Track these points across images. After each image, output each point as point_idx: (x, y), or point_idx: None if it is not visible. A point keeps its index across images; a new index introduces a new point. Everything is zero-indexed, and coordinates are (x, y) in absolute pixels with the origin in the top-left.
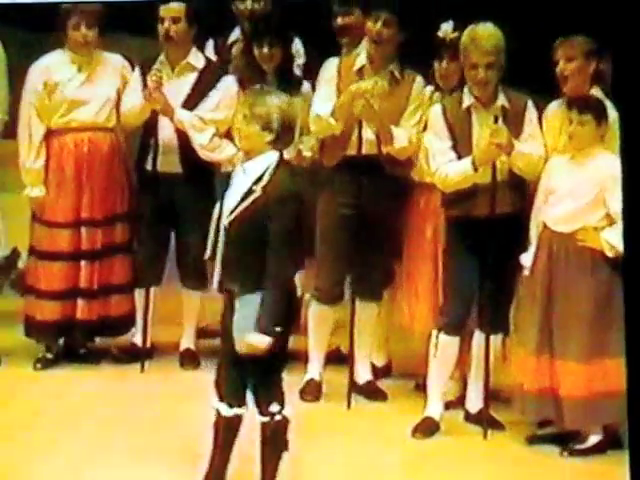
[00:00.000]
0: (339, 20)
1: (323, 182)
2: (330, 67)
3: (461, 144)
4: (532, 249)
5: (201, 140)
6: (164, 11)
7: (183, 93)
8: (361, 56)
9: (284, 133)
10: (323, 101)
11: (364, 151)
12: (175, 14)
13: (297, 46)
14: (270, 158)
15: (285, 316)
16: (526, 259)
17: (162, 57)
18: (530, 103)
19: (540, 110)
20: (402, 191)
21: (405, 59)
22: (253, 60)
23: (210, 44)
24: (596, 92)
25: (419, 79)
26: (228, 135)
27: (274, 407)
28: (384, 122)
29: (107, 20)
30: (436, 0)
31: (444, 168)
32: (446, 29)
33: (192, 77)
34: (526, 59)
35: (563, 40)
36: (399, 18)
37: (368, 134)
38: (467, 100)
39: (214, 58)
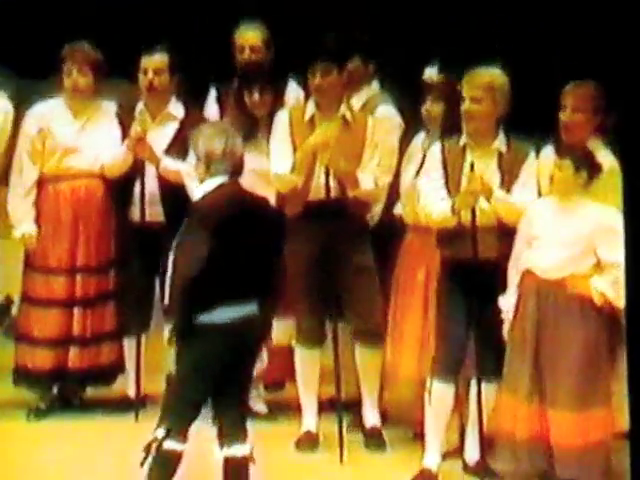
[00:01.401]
0: None
1: (288, 229)
2: (281, 121)
3: (452, 182)
4: (511, 293)
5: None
6: (147, 62)
7: (164, 142)
8: (310, 105)
9: (210, 160)
10: (280, 158)
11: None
12: (158, 65)
13: (297, 92)
14: (210, 184)
15: (179, 331)
16: (504, 302)
17: (141, 106)
18: (533, 154)
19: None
20: (367, 232)
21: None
22: (245, 107)
23: (212, 93)
24: (595, 142)
25: (371, 119)
26: None
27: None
28: (347, 167)
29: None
30: (433, 45)
31: (430, 206)
32: (430, 72)
33: (173, 126)
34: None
35: (574, 87)
36: (338, 64)
37: (329, 178)
38: (463, 139)
39: (215, 108)
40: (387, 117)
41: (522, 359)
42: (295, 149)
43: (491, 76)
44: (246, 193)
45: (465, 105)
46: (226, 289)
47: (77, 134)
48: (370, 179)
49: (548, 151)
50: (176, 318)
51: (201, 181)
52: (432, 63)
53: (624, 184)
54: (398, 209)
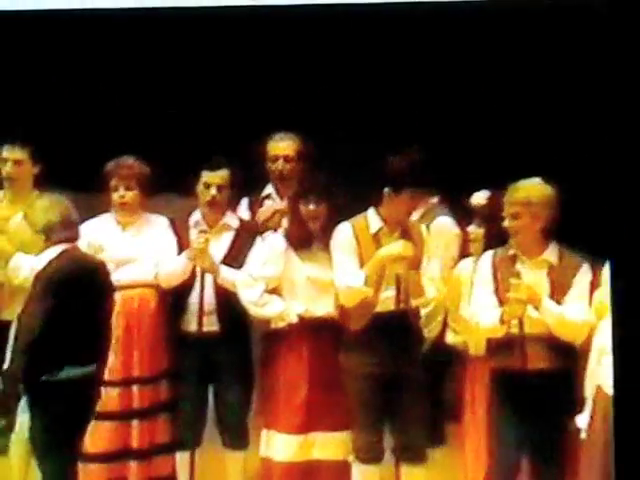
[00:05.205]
0: None
1: (350, 342)
2: (345, 234)
3: (502, 292)
4: (587, 411)
5: (251, 297)
6: (211, 178)
7: (221, 252)
8: (374, 220)
9: (52, 230)
10: (348, 271)
11: (394, 307)
12: (221, 182)
13: None
14: (53, 251)
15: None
16: (582, 421)
17: (198, 217)
18: (586, 266)
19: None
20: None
21: None
22: (299, 217)
23: (244, 202)
24: None
25: (424, 228)
26: (276, 291)
27: None
28: (415, 276)
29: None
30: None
31: (478, 315)
32: (477, 198)
33: (229, 237)
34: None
35: None
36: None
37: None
38: (513, 249)
39: (248, 215)
40: (445, 228)
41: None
42: (362, 262)
43: (527, 191)
44: (85, 257)
45: (506, 222)
46: (70, 350)
47: (127, 246)
48: (432, 287)
49: None
50: (21, 377)
51: (41, 251)
52: (480, 189)
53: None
54: (450, 338)
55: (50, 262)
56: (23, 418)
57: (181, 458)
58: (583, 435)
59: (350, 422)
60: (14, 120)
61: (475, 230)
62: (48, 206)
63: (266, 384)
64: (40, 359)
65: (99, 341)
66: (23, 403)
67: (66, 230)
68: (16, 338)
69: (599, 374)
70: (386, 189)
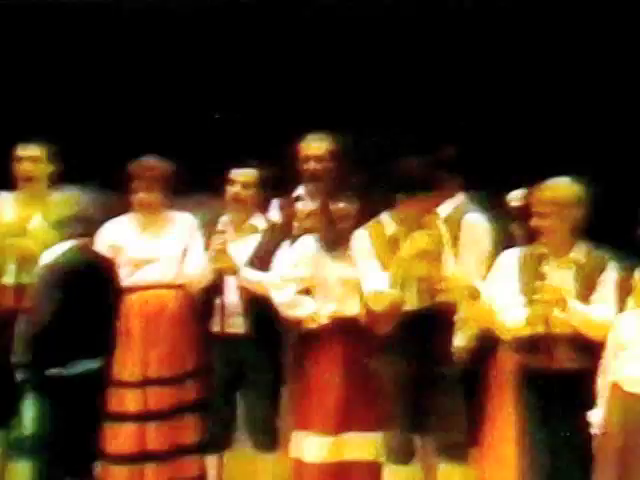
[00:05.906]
0: None
1: (380, 344)
2: (363, 240)
3: (528, 291)
4: (600, 407)
5: (282, 298)
6: (236, 175)
7: (246, 253)
8: (389, 222)
9: (73, 226)
10: (375, 276)
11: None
12: (248, 179)
13: None
14: (63, 245)
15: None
16: (594, 417)
17: (226, 218)
18: (612, 265)
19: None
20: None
21: None
22: (330, 218)
23: (275, 203)
24: None
25: (440, 223)
26: (308, 292)
27: None
28: (439, 270)
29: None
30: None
31: (503, 314)
32: (513, 197)
33: (255, 238)
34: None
35: None
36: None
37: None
38: (540, 248)
39: (278, 216)
40: (476, 223)
41: (608, 476)
42: (384, 266)
43: (555, 190)
44: (94, 254)
45: (533, 221)
46: (77, 344)
47: (146, 247)
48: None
49: None
50: (27, 367)
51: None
52: (517, 188)
53: None
54: None
55: (59, 255)
56: (27, 415)
57: (210, 460)
58: (595, 430)
59: (382, 423)
60: (32, 118)
61: (514, 228)
62: (62, 201)
63: (298, 385)
64: (48, 352)
65: (108, 336)
66: (29, 400)
67: (80, 225)
68: (23, 329)
69: (615, 369)
70: (399, 194)
